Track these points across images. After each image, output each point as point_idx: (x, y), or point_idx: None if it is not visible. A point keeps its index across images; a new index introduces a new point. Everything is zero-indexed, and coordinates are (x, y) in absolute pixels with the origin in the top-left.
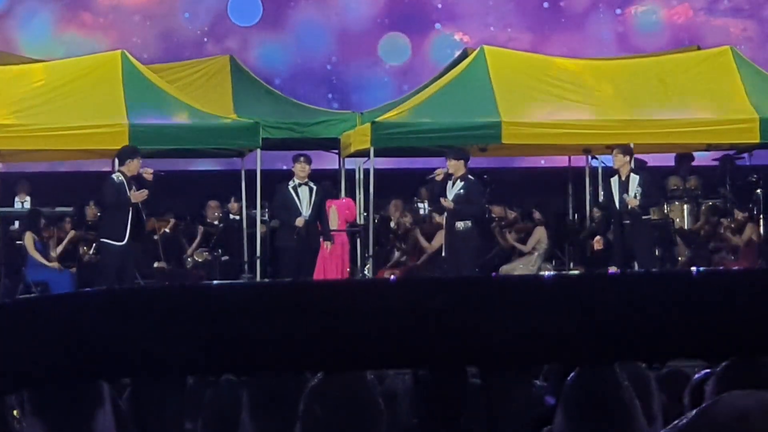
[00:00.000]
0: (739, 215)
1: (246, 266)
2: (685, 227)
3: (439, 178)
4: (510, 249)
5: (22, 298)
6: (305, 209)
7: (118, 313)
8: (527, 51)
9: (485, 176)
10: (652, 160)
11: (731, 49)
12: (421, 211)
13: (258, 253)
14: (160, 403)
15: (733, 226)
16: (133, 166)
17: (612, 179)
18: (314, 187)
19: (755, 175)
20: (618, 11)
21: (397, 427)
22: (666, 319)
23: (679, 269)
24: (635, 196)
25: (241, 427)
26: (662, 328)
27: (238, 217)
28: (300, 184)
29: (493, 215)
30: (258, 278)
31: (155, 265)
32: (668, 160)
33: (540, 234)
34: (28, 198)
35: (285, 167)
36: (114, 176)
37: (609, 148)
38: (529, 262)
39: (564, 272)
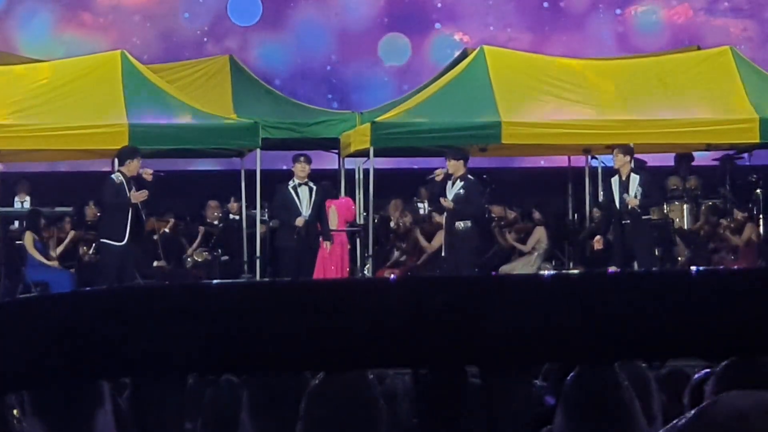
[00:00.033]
0: (739, 215)
1: (246, 266)
2: (685, 227)
3: (439, 178)
4: (510, 249)
5: (21, 298)
6: (305, 209)
7: (117, 313)
8: (527, 51)
9: (485, 176)
10: (652, 160)
11: (731, 49)
12: (421, 211)
13: (258, 253)
14: (160, 402)
15: (732, 226)
16: (132, 167)
17: (612, 179)
18: (314, 187)
19: (755, 175)
20: (618, 11)
21: (397, 427)
22: (666, 318)
23: (679, 268)
24: (636, 196)
25: (240, 427)
26: (662, 328)
27: (237, 217)
28: (300, 184)
29: (493, 215)
30: (258, 278)
31: (155, 264)
32: (668, 160)
33: (540, 234)
34: (27, 198)
35: (285, 167)
36: (114, 176)
37: (609, 148)
38: (529, 262)
39: (564, 271)
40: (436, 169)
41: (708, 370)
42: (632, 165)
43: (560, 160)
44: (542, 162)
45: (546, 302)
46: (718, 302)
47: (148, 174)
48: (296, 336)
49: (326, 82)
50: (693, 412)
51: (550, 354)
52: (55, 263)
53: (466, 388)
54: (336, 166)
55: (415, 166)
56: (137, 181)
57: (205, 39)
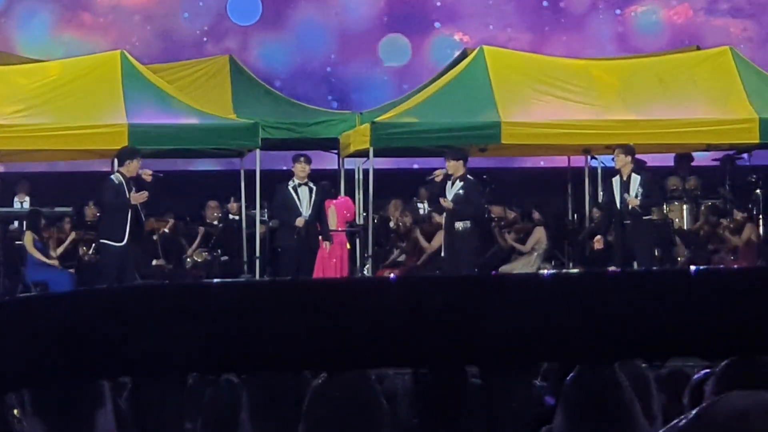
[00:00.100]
0: (739, 215)
1: (245, 266)
2: (685, 227)
3: (438, 179)
4: (509, 249)
5: (21, 297)
6: (305, 209)
7: (117, 313)
8: (527, 51)
9: (485, 176)
10: (652, 160)
11: (731, 50)
12: (421, 211)
13: (257, 253)
14: (160, 402)
15: (732, 226)
16: (132, 167)
17: (614, 179)
18: (314, 188)
19: (755, 176)
20: (618, 11)
21: (397, 427)
22: (666, 318)
23: (679, 268)
24: (636, 196)
25: (240, 428)
26: (662, 327)
27: (237, 218)
28: (300, 184)
29: (493, 215)
30: (257, 278)
31: (153, 262)
32: (668, 160)
33: (539, 234)
34: (27, 198)
35: (285, 167)
36: (113, 177)
37: (609, 148)
38: (529, 263)
39: (564, 271)
40: (436, 169)
41: (708, 370)
42: (633, 165)
43: (560, 161)
44: (542, 162)
45: (546, 302)
46: (718, 302)
47: (147, 175)
48: (296, 336)
49: (326, 82)
50: (693, 412)
51: (550, 354)
52: (55, 262)
53: (466, 388)
54: (336, 167)
55: (415, 166)
56: (137, 182)
57: (205, 39)
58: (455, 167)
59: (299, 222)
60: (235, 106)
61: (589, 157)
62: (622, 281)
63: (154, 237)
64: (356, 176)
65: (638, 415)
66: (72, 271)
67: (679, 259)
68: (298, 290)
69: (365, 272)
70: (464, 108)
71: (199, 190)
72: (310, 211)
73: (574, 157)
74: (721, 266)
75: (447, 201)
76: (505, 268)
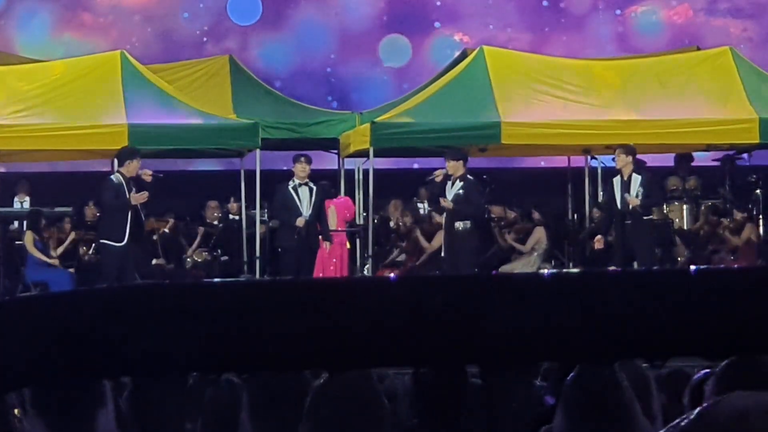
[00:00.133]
0: (739, 215)
1: (245, 266)
2: (685, 227)
3: (438, 179)
4: (509, 249)
5: (22, 297)
6: (305, 209)
7: (117, 312)
8: (527, 51)
9: (485, 176)
10: (652, 160)
11: (731, 50)
12: (421, 212)
13: (257, 254)
14: (160, 402)
15: (732, 226)
16: (132, 167)
17: (614, 179)
18: (314, 188)
19: (755, 176)
20: (618, 11)
21: (397, 427)
22: (666, 317)
23: (679, 268)
24: (637, 196)
25: (240, 427)
26: (662, 327)
27: (237, 218)
28: (300, 185)
29: (493, 215)
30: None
31: (153, 262)
32: (668, 160)
33: (539, 234)
34: (27, 198)
35: (285, 167)
36: (113, 177)
37: (608, 148)
38: (529, 263)
39: (564, 270)
40: (436, 169)
41: (708, 370)
42: (634, 165)
43: (560, 161)
44: (542, 162)
45: (546, 302)
46: (718, 302)
47: (147, 175)
48: (296, 335)
49: (326, 82)
50: (694, 412)
51: (550, 354)
52: (55, 262)
53: (466, 388)
54: (336, 167)
55: (415, 166)
56: (137, 182)
57: (205, 39)
58: (455, 167)
59: (300, 222)
60: (235, 106)
61: (589, 157)
62: (622, 281)
63: (154, 237)
64: (356, 176)
65: (638, 415)
66: (72, 271)
67: (679, 259)
68: (299, 290)
69: (365, 272)
70: (464, 108)
71: (199, 190)
72: (310, 211)
73: (574, 157)
74: (721, 266)
75: (447, 201)
76: (505, 268)
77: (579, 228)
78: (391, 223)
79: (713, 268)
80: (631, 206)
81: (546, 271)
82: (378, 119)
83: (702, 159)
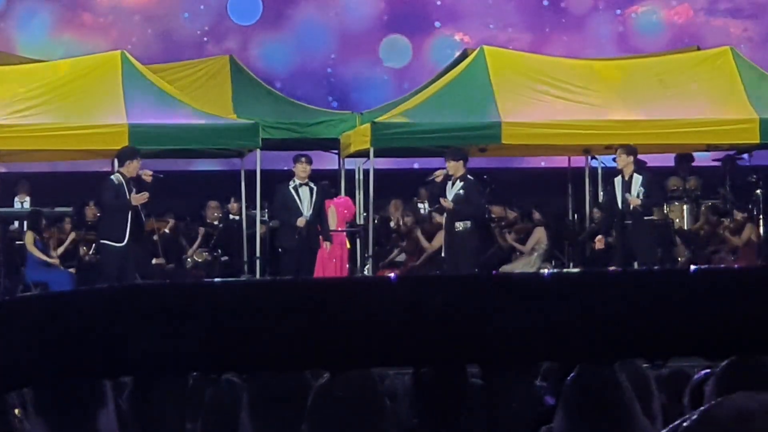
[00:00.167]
0: (739, 215)
1: (246, 266)
2: (685, 228)
3: (439, 179)
4: (509, 249)
5: (22, 296)
6: (306, 209)
7: (117, 312)
8: (527, 51)
9: (485, 176)
10: (652, 160)
11: (731, 50)
12: (422, 211)
13: (258, 254)
14: (161, 402)
15: (732, 226)
16: (132, 168)
17: (616, 179)
18: (314, 188)
19: (755, 176)
20: (618, 11)
21: (397, 427)
22: (666, 317)
23: (679, 268)
24: (638, 196)
25: (241, 427)
26: (662, 327)
27: (237, 218)
28: (301, 185)
29: (493, 215)
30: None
31: (153, 261)
32: (668, 160)
33: (539, 234)
34: (27, 198)
35: (285, 167)
36: (113, 177)
37: (609, 148)
38: (529, 263)
39: (565, 270)
40: (436, 169)
41: (708, 370)
42: (635, 165)
43: (560, 161)
44: (542, 162)
45: (546, 302)
46: (718, 302)
47: (147, 175)
48: (296, 335)
49: (326, 82)
50: (697, 413)
51: (550, 354)
52: (56, 261)
53: (466, 387)
54: (336, 167)
55: (415, 166)
56: (137, 182)
57: (205, 39)
58: (455, 168)
59: (300, 222)
60: (235, 106)
61: (589, 157)
62: (622, 281)
63: (154, 237)
64: (356, 176)
65: (638, 415)
66: (72, 271)
67: (679, 259)
68: (299, 290)
69: (365, 272)
70: (464, 108)
71: (199, 190)
72: (310, 212)
73: (574, 157)
74: (721, 266)
75: (447, 201)
76: (505, 268)
77: (579, 228)
78: (392, 223)
79: (713, 268)
80: (632, 206)
81: (546, 271)
82: (378, 119)
83: (702, 159)
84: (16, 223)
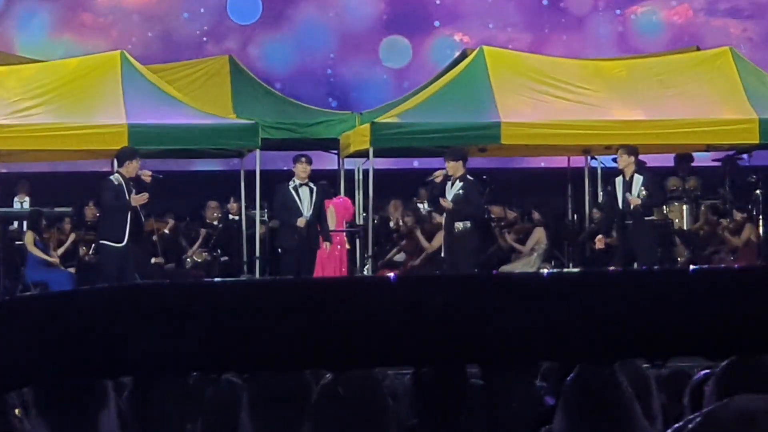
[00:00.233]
0: (739, 216)
1: (245, 266)
2: (685, 228)
3: (438, 180)
4: (509, 249)
5: (22, 296)
6: (306, 209)
7: (117, 312)
8: (527, 51)
9: (485, 177)
10: (652, 160)
11: (731, 50)
12: (421, 211)
13: (257, 254)
14: (161, 402)
15: (732, 226)
16: (131, 168)
17: (616, 179)
18: (314, 188)
19: (754, 176)
20: (618, 12)
21: (397, 427)
22: (666, 317)
23: (679, 268)
24: (639, 196)
25: (241, 427)
26: (662, 327)
27: (237, 218)
28: (300, 185)
29: (493, 215)
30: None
31: (152, 260)
32: (668, 160)
33: (539, 234)
34: (27, 198)
35: (285, 167)
36: (113, 177)
37: (609, 149)
38: (529, 263)
39: (565, 270)
40: (436, 169)
41: (708, 370)
42: (636, 165)
43: (560, 161)
44: (542, 162)
45: (546, 302)
46: (718, 302)
47: (146, 175)
48: (296, 335)
49: (326, 82)
50: (701, 414)
51: (550, 353)
52: (56, 261)
53: (466, 387)
54: (336, 167)
55: (415, 165)
56: (136, 183)
57: (205, 39)
58: (455, 168)
59: (301, 222)
60: (234, 106)
61: (589, 158)
62: (622, 281)
63: (154, 237)
64: (356, 176)
65: (638, 415)
66: (72, 271)
67: (679, 259)
68: (299, 290)
69: (365, 272)
70: (464, 108)
71: (199, 190)
72: (310, 212)
73: (574, 158)
74: (721, 266)
75: (447, 201)
76: (505, 269)
77: (579, 228)
78: (391, 223)
79: (713, 268)
80: (632, 206)
81: (546, 271)
82: (378, 119)
83: (702, 159)
84: (16, 223)
